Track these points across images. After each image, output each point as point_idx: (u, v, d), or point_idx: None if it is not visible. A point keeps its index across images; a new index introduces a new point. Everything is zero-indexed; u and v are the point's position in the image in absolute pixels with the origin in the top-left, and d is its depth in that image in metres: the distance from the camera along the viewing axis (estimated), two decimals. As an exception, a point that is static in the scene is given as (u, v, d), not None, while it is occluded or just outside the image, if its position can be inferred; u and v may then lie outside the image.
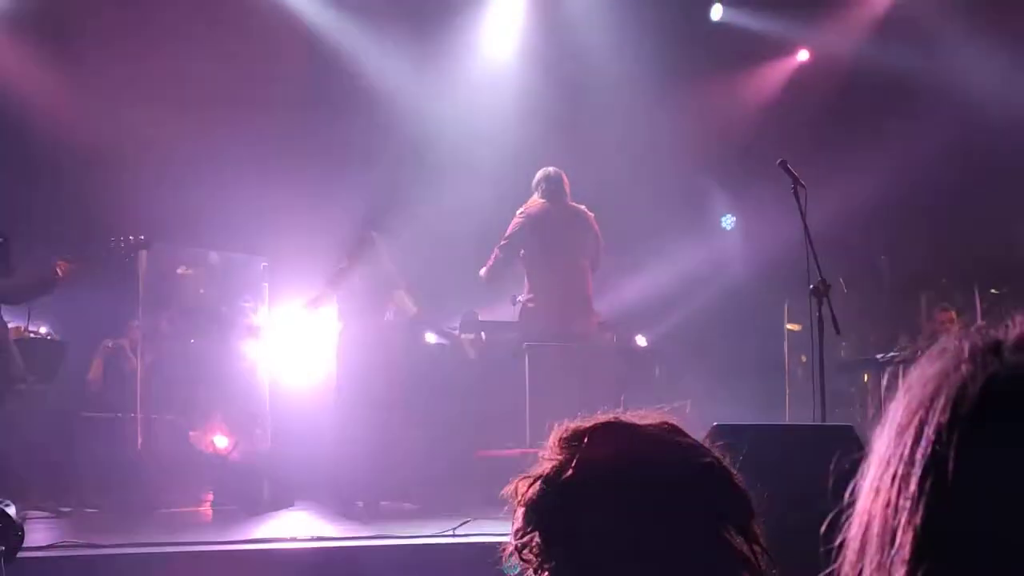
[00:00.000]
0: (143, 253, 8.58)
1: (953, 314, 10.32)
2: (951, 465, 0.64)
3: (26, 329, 8.68)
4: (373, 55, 10.97)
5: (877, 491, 0.70)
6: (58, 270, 6.61)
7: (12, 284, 6.43)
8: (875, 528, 0.69)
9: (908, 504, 0.66)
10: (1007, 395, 0.65)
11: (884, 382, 9.51)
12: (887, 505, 0.68)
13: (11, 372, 6.72)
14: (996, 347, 0.69)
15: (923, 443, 0.66)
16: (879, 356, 9.53)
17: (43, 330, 9.00)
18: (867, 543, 0.69)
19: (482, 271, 7.95)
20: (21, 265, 6.94)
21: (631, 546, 1.33)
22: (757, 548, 1.36)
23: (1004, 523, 0.63)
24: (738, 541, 1.35)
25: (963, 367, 0.68)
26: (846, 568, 0.72)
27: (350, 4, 10.96)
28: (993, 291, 11.47)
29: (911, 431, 0.68)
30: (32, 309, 8.88)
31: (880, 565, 0.67)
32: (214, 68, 10.58)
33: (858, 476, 0.73)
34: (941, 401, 0.67)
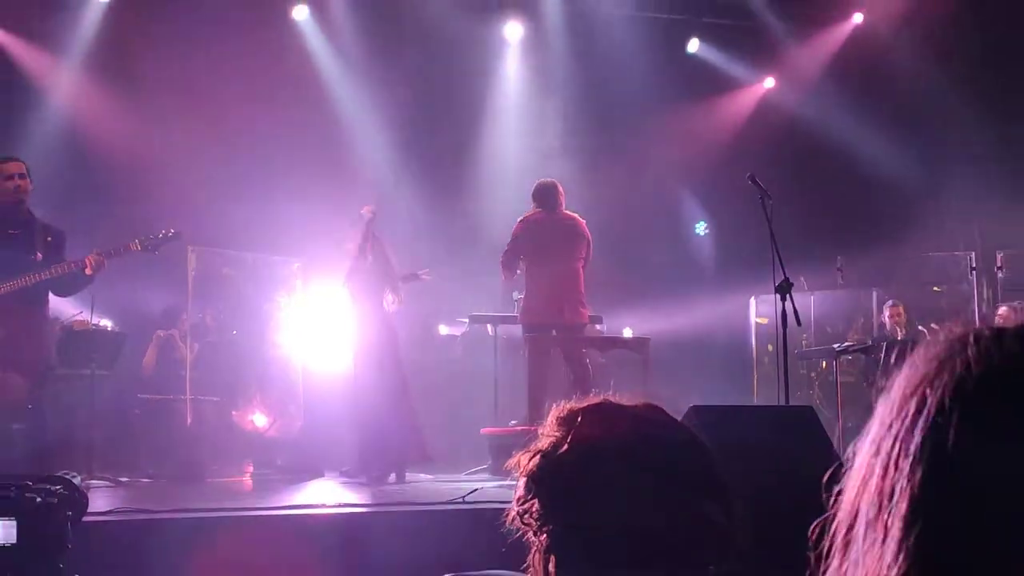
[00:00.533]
0: (191, 257, 8.59)
1: (901, 309, 10.31)
2: (951, 436, 0.64)
3: (91, 322, 8.68)
4: (394, 86, 10.96)
5: (878, 450, 0.68)
6: (88, 262, 6.54)
7: (57, 278, 6.36)
8: (874, 483, 0.67)
9: (907, 465, 0.65)
10: (1004, 379, 0.65)
11: (838, 368, 9.50)
12: (887, 463, 0.67)
13: (47, 358, 6.61)
14: (998, 335, 0.68)
15: (925, 412, 0.66)
16: (835, 346, 9.52)
17: (105, 323, 9.00)
18: (864, 496, 0.68)
19: (504, 265, 7.97)
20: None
21: (619, 512, 1.33)
22: (730, 516, 1.35)
23: (995, 495, 0.62)
24: (712, 510, 1.34)
25: (968, 350, 0.66)
26: (842, 516, 0.70)
27: (375, 35, 10.96)
28: (934, 288, 11.49)
29: (914, 401, 0.67)
30: (96, 304, 8.90)
31: (877, 517, 0.66)
32: (251, 99, 10.62)
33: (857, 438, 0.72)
34: (945, 378, 0.66)
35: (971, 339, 0.68)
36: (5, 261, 6.11)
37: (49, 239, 6.47)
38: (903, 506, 0.64)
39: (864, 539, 0.67)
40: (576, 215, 8.02)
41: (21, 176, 6.40)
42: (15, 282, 6.13)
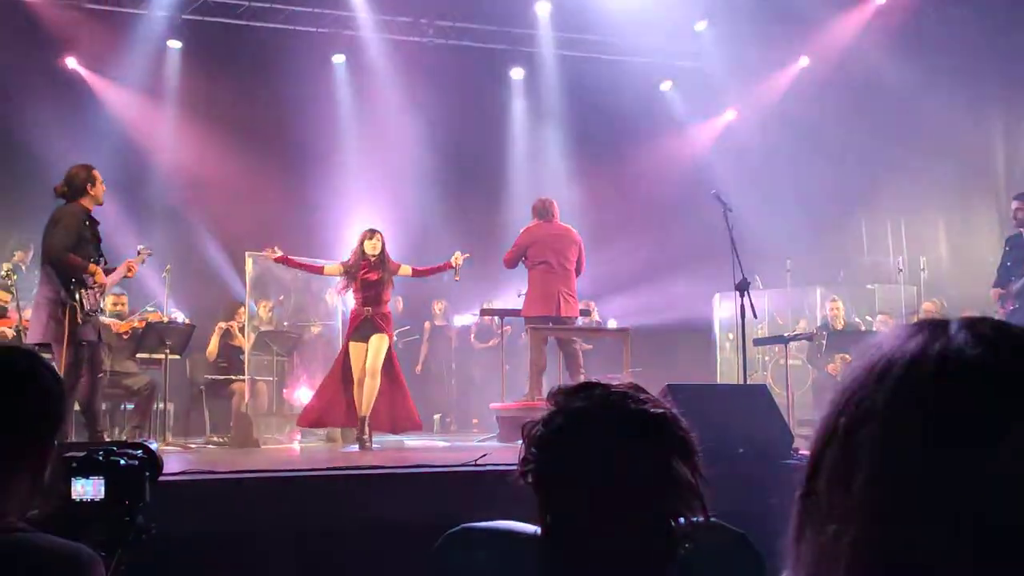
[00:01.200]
0: (248, 261, 8.59)
1: (839, 304, 10.30)
2: (907, 408, 0.63)
3: (164, 316, 8.70)
4: (419, 118, 10.95)
5: (843, 407, 0.67)
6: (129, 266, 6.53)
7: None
8: (839, 436, 0.66)
9: (867, 428, 0.64)
10: (947, 363, 0.63)
11: (787, 353, 9.50)
12: (849, 422, 0.65)
13: (100, 360, 6.39)
14: (945, 327, 0.67)
15: (885, 385, 0.65)
16: (785, 334, 9.51)
17: (177, 315, 9.02)
18: (830, 446, 0.67)
19: (507, 262, 8.00)
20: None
21: (605, 471, 1.33)
22: (698, 474, 1.36)
23: (939, 458, 0.61)
24: (683, 470, 1.35)
25: (920, 336, 0.66)
26: (811, 455, 0.69)
27: (402, 75, 10.96)
28: (868, 286, 11.47)
29: (875, 375, 0.66)
30: (170, 301, 8.92)
31: (840, 463, 0.65)
32: (298, 129, 10.64)
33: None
34: (903, 359, 0.65)
35: (927, 329, 0.67)
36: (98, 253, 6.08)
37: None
38: (864, 463, 0.64)
39: (827, 486, 0.66)
40: (569, 226, 8.04)
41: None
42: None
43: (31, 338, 5.89)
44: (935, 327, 0.66)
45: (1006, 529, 0.58)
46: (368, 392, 6.96)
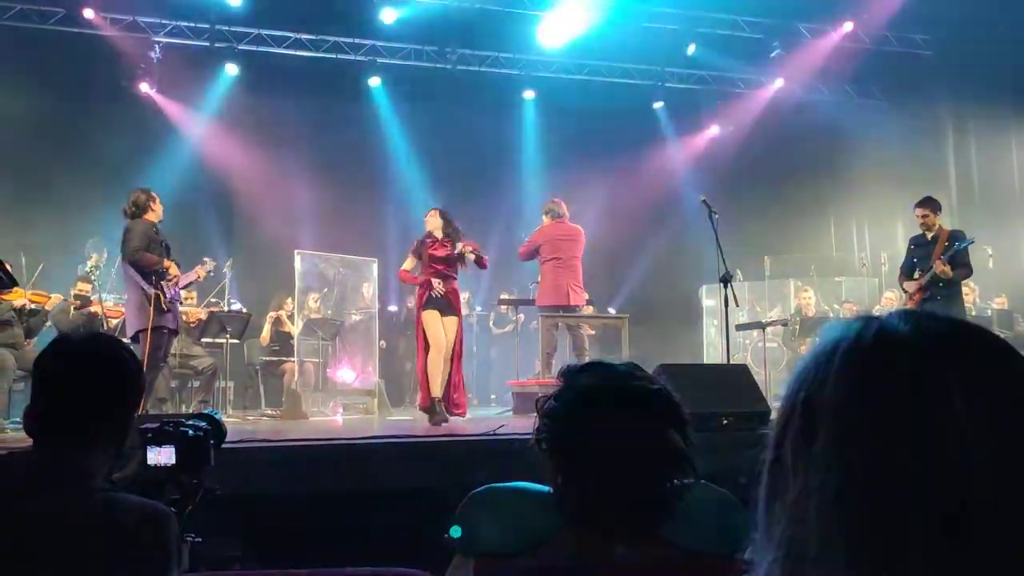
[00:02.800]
0: (297, 259, 8.63)
1: (810, 294, 10.25)
2: (853, 375, 0.67)
3: (224, 307, 8.75)
4: (445, 133, 10.96)
5: (802, 384, 0.70)
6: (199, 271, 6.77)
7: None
8: (800, 408, 0.69)
9: (823, 397, 0.68)
10: (882, 337, 0.68)
11: (765, 337, 9.46)
12: (808, 394, 0.69)
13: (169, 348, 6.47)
14: (879, 317, 0.70)
15: (835, 360, 0.68)
16: (763, 321, 9.48)
17: (236, 306, 9.06)
18: (792, 417, 0.70)
19: (521, 255, 7.96)
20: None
21: (608, 439, 1.34)
22: (688, 442, 1.36)
23: (881, 413, 0.65)
24: (676, 438, 1.35)
25: (860, 323, 0.70)
26: (777, 427, 0.71)
27: (430, 96, 10.96)
28: (836, 279, 11.42)
29: (827, 354, 0.69)
30: (230, 293, 8.98)
31: (803, 428, 0.68)
32: (339, 142, 10.66)
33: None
34: (848, 339, 0.69)
35: (861, 320, 0.70)
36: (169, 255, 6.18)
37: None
38: (827, 426, 0.67)
39: (792, 449, 0.69)
40: (577, 226, 8.00)
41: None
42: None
43: (129, 329, 6.07)
44: (871, 317, 0.70)
45: (938, 468, 0.62)
46: (442, 375, 6.62)
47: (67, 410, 1.55)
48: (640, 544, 1.34)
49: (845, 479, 0.64)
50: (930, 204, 6.84)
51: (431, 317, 6.65)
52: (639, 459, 1.34)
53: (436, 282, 6.62)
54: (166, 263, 6.05)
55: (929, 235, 6.79)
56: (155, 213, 6.15)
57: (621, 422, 1.34)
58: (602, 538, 1.35)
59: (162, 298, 5.92)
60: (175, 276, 6.13)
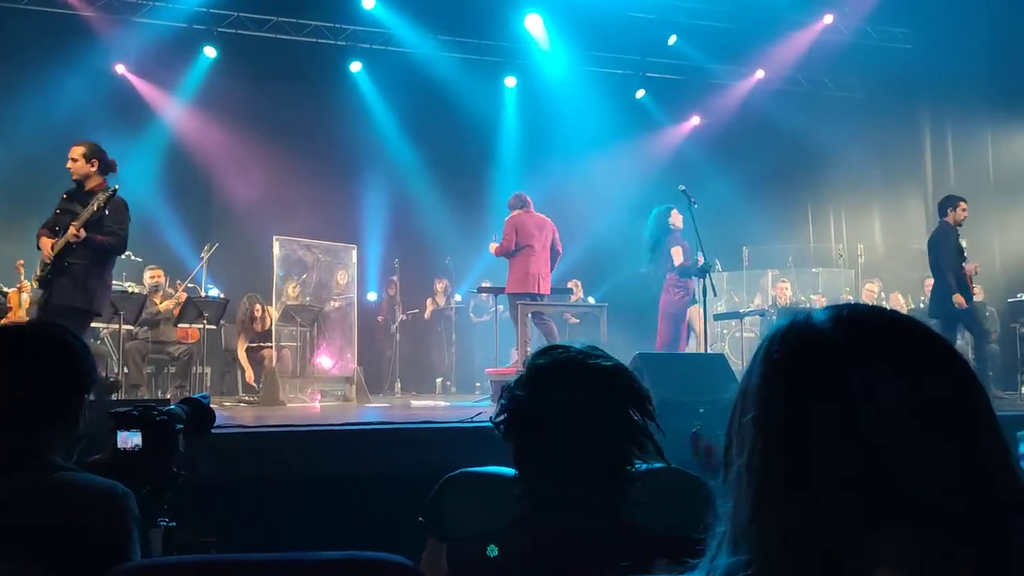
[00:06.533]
0: (275, 244, 8.55)
1: (787, 284, 10.33)
2: (762, 368, 0.74)
3: (202, 292, 8.68)
4: (426, 119, 10.90)
5: (750, 375, 0.74)
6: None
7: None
8: (749, 395, 0.73)
9: (749, 389, 0.74)
10: (797, 325, 0.74)
11: (743, 327, 9.53)
12: (756, 388, 0.73)
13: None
14: (811, 314, 0.75)
15: (774, 358, 0.73)
16: (741, 311, 9.54)
17: (212, 291, 8.98)
18: (745, 400, 0.74)
19: (500, 252, 7.89)
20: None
21: (564, 420, 1.35)
22: (650, 419, 1.38)
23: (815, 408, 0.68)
24: (637, 416, 1.36)
25: (786, 318, 0.76)
26: (733, 418, 0.76)
27: (411, 82, 10.88)
28: (813, 270, 11.50)
29: (758, 349, 0.75)
30: (207, 278, 8.89)
31: (740, 413, 0.74)
32: (318, 127, 10.58)
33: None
34: (770, 335, 0.75)
35: (799, 317, 0.76)
36: (63, 227, 5.36)
37: (101, 216, 5.40)
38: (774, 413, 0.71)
39: (739, 434, 0.74)
40: (544, 215, 7.97)
41: (73, 159, 5.45)
42: (57, 242, 5.37)
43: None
44: (801, 312, 0.76)
45: (842, 450, 0.66)
46: None
47: (12, 394, 1.58)
48: (603, 526, 1.34)
49: (759, 459, 0.69)
50: None
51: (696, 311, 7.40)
52: (597, 440, 1.35)
53: None
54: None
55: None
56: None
57: (578, 402, 1.36)
58: (565, 520, 1.35)
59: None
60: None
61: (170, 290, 8.42)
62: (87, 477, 1.54)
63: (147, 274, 8.30)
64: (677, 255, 7.41)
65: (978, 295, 9.86)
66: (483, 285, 9.67)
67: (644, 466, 1.38)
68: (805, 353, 0.71)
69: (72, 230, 5.27)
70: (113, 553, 1.44)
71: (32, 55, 9.44)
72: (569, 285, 10.02)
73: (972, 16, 9.72)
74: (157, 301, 8.06)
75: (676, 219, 7.54)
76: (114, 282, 8.05)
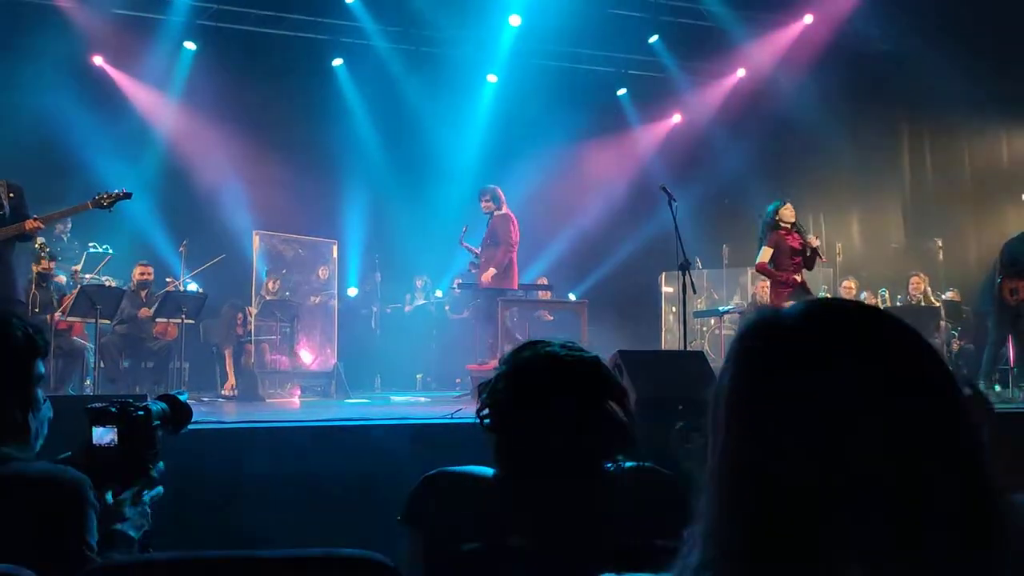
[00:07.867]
0: (256, 238, 8.49)
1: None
2: (731, 363, 0.77)
3: (180, 286, 8.59)
4: (401, 116, 10.84)
5: (725, 370, 0.76)
6: (27, 225, 5.49)
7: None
8: (722, 391, 0.75)
9: (736, 383, 0.75)
10: (755, 331, 0.76)
11: (722, 324, 9.57)
12: (727, 383, 0.75)
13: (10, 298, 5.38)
14: (779, 310, 0.76)
15: (745, 352, 0.76)
16: (720, 308, 9.59)
17: (192, 286, 8.90)
18: (720, 396, 0.75)
19: (508, 256, 7.81)
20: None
21: (546, 411, 1.36)
22: (627, 414, 1.39)
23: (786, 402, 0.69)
24: (615, 409, 1.37)
25: (762, 316, 0.77)
26: (710, 413, 0.77)
27: (387, 79, 10.84)
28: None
29: (733, 347, 0.77)
30: (186, 272, 8.80)
31: (713, 410, 0.75)
32: (300, 122, 10.52)
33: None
34: (739, 331, 0.78)
35: (769, 311, 0.77)
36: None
37: (11, 195, 5.40)
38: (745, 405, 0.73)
39: (713, 430, 0.75)
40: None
41: None
42: None
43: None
44: (767, 307, 0.82)
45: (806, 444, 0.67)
46: None
47: None
48: (580, 524, 1.35)
49: (729, 454, 0.70)
50: None
51: None
52: (575, 435, 1.35)
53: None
54: None
55: None
56: None
57: (556, 397, 1.36)
58: (544, 516, 1.35)
59: None
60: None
61: (159, 294, 8.29)
62: (40, 466, 1.53)
63: (137, 270, 8.14)
64: (765, 254, 7.19)
65: (954, 295, 9.99)
66: (461, 282, 9.66)
67: (625, 463, 1.38)
68: (773, 346, 0.71)
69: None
70: (68, 540, 1.43)
71: (4, 44, 9.30)
72: (541, 281, 10.06)
73: (949, 21, 9.82)
74: (143, 298, 7.96)
75: (784, 214, 7.29)
76: (90, 276, 8.03)
